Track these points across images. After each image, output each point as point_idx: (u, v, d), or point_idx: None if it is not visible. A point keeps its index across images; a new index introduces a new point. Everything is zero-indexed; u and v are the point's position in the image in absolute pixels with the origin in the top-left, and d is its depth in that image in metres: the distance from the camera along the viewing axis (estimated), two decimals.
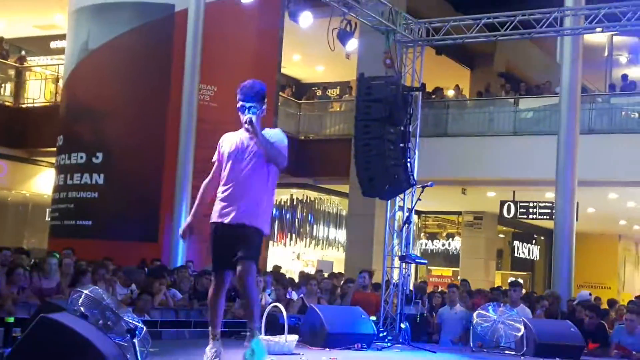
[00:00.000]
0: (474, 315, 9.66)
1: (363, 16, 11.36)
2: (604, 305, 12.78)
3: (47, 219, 18.15)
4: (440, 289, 16.08)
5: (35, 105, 20.30)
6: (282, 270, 15.59)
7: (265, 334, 7.51)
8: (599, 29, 12.23)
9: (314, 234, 22.75)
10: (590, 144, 15.55)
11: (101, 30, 16.08)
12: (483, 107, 19.38)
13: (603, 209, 20.72)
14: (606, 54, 22.65)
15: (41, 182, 20.71)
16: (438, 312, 11.42)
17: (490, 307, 9.62)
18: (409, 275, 11.58)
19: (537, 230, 25.89)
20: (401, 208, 11.62)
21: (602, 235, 25.20)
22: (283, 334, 7.51)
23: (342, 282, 13.56)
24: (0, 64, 20.35)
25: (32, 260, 11.75)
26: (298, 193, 22.40)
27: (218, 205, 5.90)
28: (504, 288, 13.43)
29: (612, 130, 17.04)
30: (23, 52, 22.45)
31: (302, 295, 11.61)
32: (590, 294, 13.02)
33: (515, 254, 26.35)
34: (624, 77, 19.93)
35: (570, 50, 14.33)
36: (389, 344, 9.44)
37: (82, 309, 5.61)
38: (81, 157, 15.93)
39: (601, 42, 22.22)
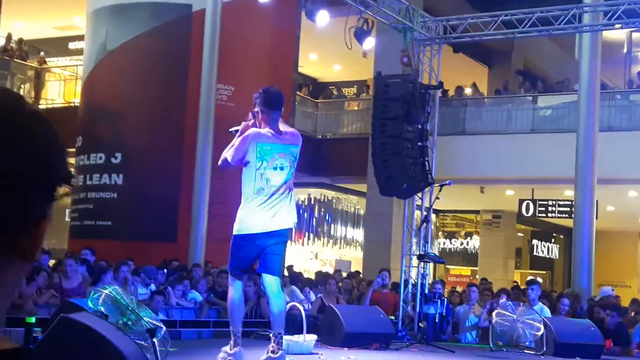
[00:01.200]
0: (493, 314, 9.62)
1: (380, 14, 11.36)
2: (625, 304, 12.69)
3: (66, 219, 18.25)
4: (457, 288, 16.04)
5: (55, 106, 20.42)
6: (301, 270, 15.62)
7: (285, 334, 7.52)
8: (617, 26, 12.16)
9: (332, 233, 22.74)
10: (609, 141, 15.44)
11: (119, 31, 16.16)
12: (501, 105, 19.29)
13: (623, 207, 20.57)
14: (625, 50, 22.48)
15: None
16: (456, 310, 11.39)
17: (509, 306, 9.58)
18: (427, 274, 11.57)
19: (556, 228, 25.75)
20: (419, 207, 11.61)
21: (622, 233, 25.01)
22: (302, 333, 7.52)
23: (359, 282, 13.54)
24: (19, 65, 20.48)
25: (52, 261, 11.82)
26: (316, 192, 22.39)
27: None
28: (522, 287, 13.36)
29: (632, 128, 16.91)
30: (42, 53, 22.59)
31: (320, 295, 11.61)
32: (612, 290, 12.88)
33: (534, 253, 26.21)
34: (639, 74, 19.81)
35: (589, 47, 14.23)
36: (408, 344, 9.43)
37: (102, 308, 5.63)
38: (100, 158, 16.01)
39: (620, 38, 22.05)
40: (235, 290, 6.12)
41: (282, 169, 5.92)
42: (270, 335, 6.11)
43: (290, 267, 16.23)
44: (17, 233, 0.97)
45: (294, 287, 12.21)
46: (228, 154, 5.95)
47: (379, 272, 12.00)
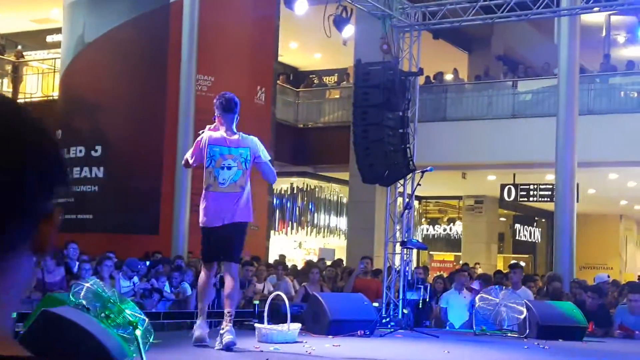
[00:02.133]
0: (476, 299, 9.67)
1: (359, 2, 11.34)
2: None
3: None
4: (440, 273, 16.10)
5: (33, 99, 20.28)
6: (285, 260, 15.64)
7: (269, 323, 7.53)
8: (596, 9, 12.19)
9: (315, 222, 22.76)
10: (589, 124, 15.53)
11: (97, 23, 16.05)
12: (482, 91, 19.34)
13: (603, 189, 20.71)
14: (604, 33, 22.58)
15: None
16: (443, 296, 11.41)
17: (492, 290, 9.63)
18: (410, 260, 11.61)
19: (538, 212, 25.90)
20: (401, 194, 11.63)
21: (603, 216, 25.21)
22: (286, 322, 7.52)
23: (343, 270, 13.57)
24: None
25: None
26: (298, 181, 22.39)
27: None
28: (505, 271, 13.43)
29: (611, 111, 17.02)
30: (19, 47, 22.40)
31: (304, 283, 11.63)
32: (608, 276, 12.96)
33: (517, 237, 26.36)
34: (606, 57, 19.91)
35: (568, 31, 14.28)
36: (392, 330, 9.46)
37: (83, 302, 5.61)
38: (80, 151, 15.93)
39: (599, 21, 22.14)
40: (204, 273, 6.96)
41: (229, 168, 6.72)
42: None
43: (282, 257, 16.29)
44: (28, 228, 1.02)
45: (287, 279, 12.21)
46: (188, 155, 6.96)
47: (361, 259, 12.04)
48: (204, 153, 6.75)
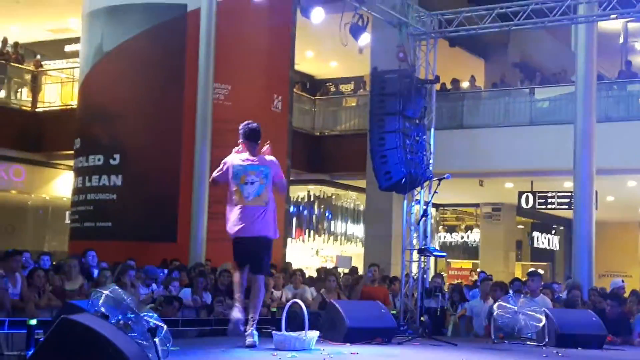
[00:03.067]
0: (495, 306, 9.62)
1: (375, 10, 11.36)
2: (627, 294, 12.69)
3: (67, 221, 18.26)
4: (458, 281, 16.04)
5: (52, 108, 20.43)
6: (302, 267, 15.60)
7: (286, 330, 7.54)
8: (613, 16, 12.14)
9: (332, 229, 22.76)
10: (607, 131, 15.46)
11: (115, 33, 16.16)
12: (498, 98, 19.30)
13: (622, 197, 20.59)
14: (621, 40, 22.49)
15: (60, 185, 20.85)
16: (469, 305, 11.35)
17: (510, 298, 9.58)
18: (428, 268, 11.58)
19: (556, 220, 25.78)
20: (418, 201, 11.61)
21: (623, 223, 25.05)
22: (303, 330, 7.53)
23: (357, 279, 13.54)
24: (15, 68, 20.48)
25: (53, 263, 11.83)
26: (315, 189, 22.41)
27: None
28: (524, 279, 13.36)
29: (629, 118, 16.93)
30: (38, 56, 22.58)
31: (321, 291, 11.62)
32: (622, 281, 12.85)
33: (535, 245, 26.24)
34: (628, 63, 19.78)
35: (585, 38, 14.24)
36: (410, 338, 9.44)
37: (102, 309, 5.64)
38: (99, 159, 16.02)
39: (616, 28, 22.07)
40: (238, 273, 7.69)
41: (252, 183, 7.47)
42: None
43: (288, 264, 16.25)
44: None
45: (306, 287, 12.21)
46: (215, 174, 7.72)
47: (369, 267, 12.05)
48: (229, 172, 7.52)
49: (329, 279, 11.56)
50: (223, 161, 7.68)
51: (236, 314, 7.57)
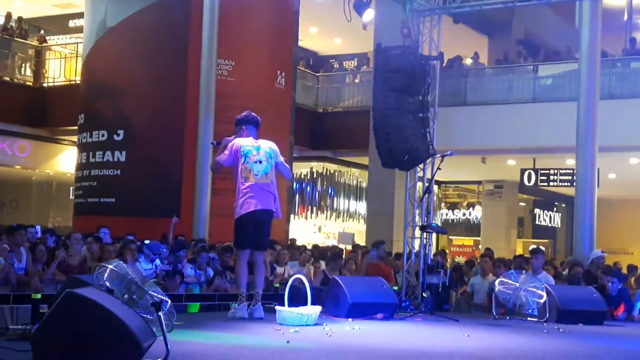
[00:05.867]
0: (496, 282, 9.69)
1: None
2: (625, 271, 12.75)
3: (71, 197, 18.32)
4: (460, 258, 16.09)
5: (56, 84, 20.42)
6: (304, 243, 15.65)
7: (289, 306, 7.61)
8: None
9: (335, 206, 22.81)
10: (610, 109, 15.45)
11: (118, 7, 16.12)
12: (502, 75, 19.25)
13: (624, 174, 20.59)
14: (625, 17, 22.37)
15: (64, 160, 20.90)
16: (470, 281, 11.45)
17: (512, 274, 9.64)
18: (430, 245, 11.63)
19: (558, 197, 25.79)
20: (421, 178, 11.65)
21: (624, 200, 25.06)
22: (306, 305, 7.59)
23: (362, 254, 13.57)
24: (19, 44, 20.46)
25: (58, 238, 11.90)
26: (318, 166, 22.44)
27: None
28: (525, 256, 13.42)
29: (633, 95, 16.90)
30: (42, 32, 22.54)
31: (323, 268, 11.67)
32: (602, 251, 12.87)
33: (537, 222, 26.28)
34: (632, 40, 19.68)
35: (589, 14, 14.17)
36: (412, 313, 9.51)
37: (107, 283, 5.70)
38: (102, 135, 16.05)
39: (620, 5, 21.95)
40: (240, 261, 8.00)
41: (260, 162, 7.87)
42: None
43: (293, 240, 16.30)
44: None
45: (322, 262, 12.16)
46: (221, 159, 7.95)
47: (372, 246, 12.09)
48: (238, 154, 7.83)
49: (349, 262, 11.56)
50: (230, 144, 7.96)
51: (243, 313, 7.79)
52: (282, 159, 8.16)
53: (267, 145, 8.05)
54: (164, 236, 12.76)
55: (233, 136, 8.10)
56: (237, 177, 7.89)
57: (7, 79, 19.96)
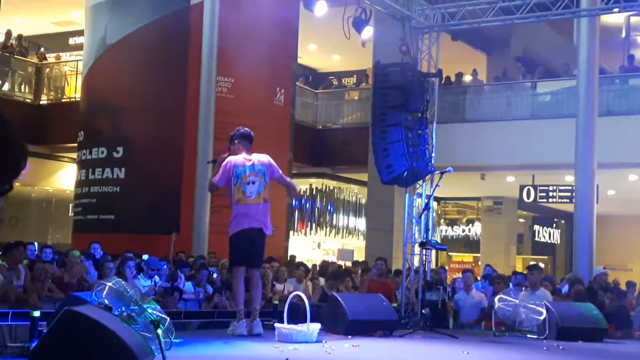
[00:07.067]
0: (495, 299, 9.67)
1: (378, 3, 11.38)
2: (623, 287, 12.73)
3: (70, 214, 18.32)
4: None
5: (56, 101, 20.45)
6: (304, 260, 15.62)
7: (288, 323, 7.59)
8: (615, 10, 12.16)
9: (334, 223, 22.80)
10: (609, 126, 15.48)
11: (118, 25, 16.19)
12: (501, 92, 19.31)
13: (624, 191, 20.60)
14: (623, 34, 22.47)
15: (63, 177, 20.90)
16: (455, 298, 11.46)
17: (511, 291, 9.63)
18: (429, 261, 11.62)
19: (558, 214, 25.79)
20: (420, 195, 11.64)
21: (624, 217, 25.05)
22: (306, 322, 7.57)
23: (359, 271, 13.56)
24: (19, 61, 20.51)
25: (56, 255, 11.87)
26: (317, 182, 22.45)
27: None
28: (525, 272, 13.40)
29: (631, 112, 16.94)
30: (42, 49, 22.61)
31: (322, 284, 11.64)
32: (604, 268, 12.87)
33: (536, 238, 26.26)
34: (630, 57, 19.74)
35: (587, 31, 14.24)
36: (411, 330, 9.48)
37: (106, 301, 5.69)
38: (102, 152, 16.07)
39: (618, 22, 22.05)
40: (236, 279, 8.03)
41: (253, 183, 7.95)
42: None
43: (292, 257, 16.27)
44: None
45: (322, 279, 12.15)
46: (215, 180, 8.05)
47: (375, 262, 12.08)
48: (231, 174, 7.92)
49: (347, 279, 11.53)
50: (223, 164, 8.04)
51: (242, 330, 7.86)
52: (279, 172, 8.18)
53: (260, 162, 8.07)
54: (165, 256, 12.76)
55: (227, 153, 8.16)
56: (231, 197, 8.01)
57: (7, 96, 19.97)
